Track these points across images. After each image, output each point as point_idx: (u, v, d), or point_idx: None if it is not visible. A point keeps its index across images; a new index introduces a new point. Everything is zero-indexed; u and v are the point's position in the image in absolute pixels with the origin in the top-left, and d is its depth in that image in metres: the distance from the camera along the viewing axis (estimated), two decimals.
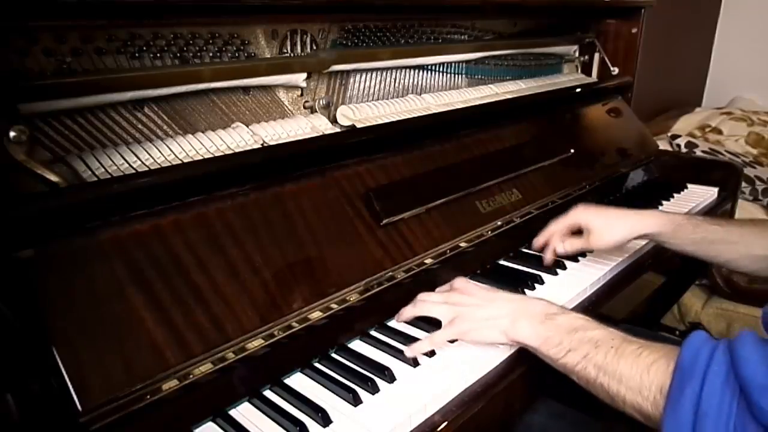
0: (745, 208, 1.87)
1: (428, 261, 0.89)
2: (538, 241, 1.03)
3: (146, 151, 0.74)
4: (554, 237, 1.01)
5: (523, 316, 0.73)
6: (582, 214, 0.99)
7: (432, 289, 0.92)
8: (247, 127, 0.85)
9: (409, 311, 0.81)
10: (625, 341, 0.65)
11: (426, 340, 0.76)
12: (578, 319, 0.71)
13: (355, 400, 0.67)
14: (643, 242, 1.08)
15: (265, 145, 0.84)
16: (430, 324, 0.81)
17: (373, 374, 0.71)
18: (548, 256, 0.99)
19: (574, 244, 0.98)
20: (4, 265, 0.56)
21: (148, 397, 0.59)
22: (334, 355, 0.77)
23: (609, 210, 1.00)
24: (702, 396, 0.53)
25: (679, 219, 0.97)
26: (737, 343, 0.54)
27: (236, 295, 0.68)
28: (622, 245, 0.99)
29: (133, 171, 0.71)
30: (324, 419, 0.64)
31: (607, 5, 1.53)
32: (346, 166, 0.87)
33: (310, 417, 0.65)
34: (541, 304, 0.75)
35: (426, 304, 0.80)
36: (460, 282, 0.84)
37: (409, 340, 0.78)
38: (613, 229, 0.96)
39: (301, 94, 0.97)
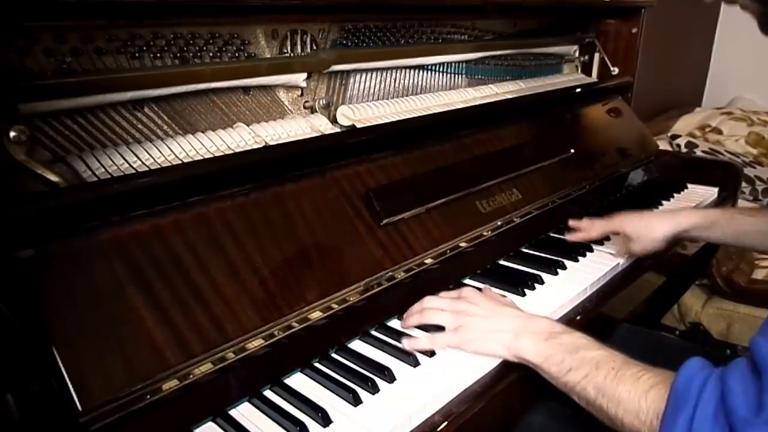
0: None
1: (428, 261, 0.89)
2: (575, 236, 1.09)
3: (146, 151, 0.74)
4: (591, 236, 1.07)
5: (526, 333, 0.73)
6: (623, 223, 1.04)
7: (432, 290, 0.92)
8: (247, 127, 0.85)
9: (416, 318, 0.81)
10: (625, 364, 0.65)
11: (426, 338, 0.76)
12: (581, 339, 0.71)
13: (355, 400, 0.67)
14: None
15: (265, 145, 0.84)
16: (432, 325, 0.81)
17: (373, 374, 0.71)
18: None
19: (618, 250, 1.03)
20: (4, 265, 0.56)
21: (148, 397, 0.59)
22: (334, 355, 0.77)
23: (644, 213, 1.05)
24: (693, 425, 0.53)
25: (712, 214, 1.00)
26: (728, 373, 0.54)
27: (236, 295, 0.68)
28: (662, 245, 1.02)
29: (133, 171, 0.71)
30: (324, 419, 0.64)
31: (607, 5, 1.53)
32: (346, 166, 0.87)
33: (310, 417, 0.65)
34: (545, 322, 0.75)
35: (432, 312, 0.80)
36: (469, 291, 0.84)
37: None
38: (652, 229, 1.00)
39: (301, 94, 0.97)
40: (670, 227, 1.00)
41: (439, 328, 0.79)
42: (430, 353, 0.76)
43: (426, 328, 0.80)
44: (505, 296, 0.89)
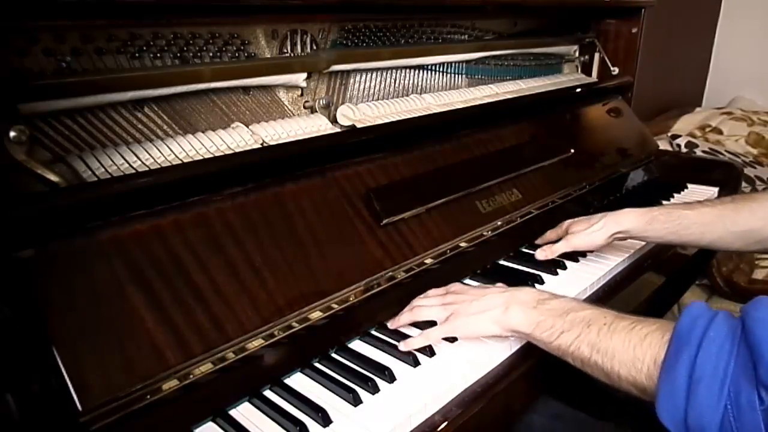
0: None
1: (428, 261, 0.89)
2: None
3: (146, 151, 0.73)
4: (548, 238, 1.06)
5: (514, 304, 0.74)
6: (572, 225, 1.03)
7: (428, 289, 0.92)
8: (247, 127, 0.85)
9: (406, 317, 0.81)
10: (617, 318, 0.65)
11: (420, 336, 0.77)
12: (570, 302, 0.72)
13: (355, 400, 0.67)
14: (642, 243, 1.08)
15: (265, 145, 0.84)
16: (432, 325, 0.81)
17: (373, 374, 0.71)
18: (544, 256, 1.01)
19: (555, 249, 1.00)
20: (4, 265, 0.56)
21: (148, 397, 0.59)
22: (334, 355, 0.77)
23: (592, 216, 1.02)
24: (697, 362, 0.52)
25: (652, 212, 0.98)
26: (752, 306, 0.54)
27: (236, 295, 0.68)
28: (604, 245, 1.00)
29: (133, 171, 0.71)
30: (324, 419, 0.64)
31: (607, 5, 1.53)
32: (346, 166, 0.87)
33: (310, 417, 0.65)
34: (532, 292, 0.76)
35: (422, 308, 0.81)
36: (455, 285, 0.85)
37: None
38: (590, 230, 0.98)
39: (301, 94, 0.97)
40: (606, 230, 0.97)
41: (432, 324, 0.79)
42: (430, 353, 0.76)
43: (425, 328, 0.80)
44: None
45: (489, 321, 0.74)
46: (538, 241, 1.09)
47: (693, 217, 0.94)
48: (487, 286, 0.84)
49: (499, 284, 0.84)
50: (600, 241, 0.98)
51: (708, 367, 0.52)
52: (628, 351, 0.61)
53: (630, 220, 0.97)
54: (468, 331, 0.76)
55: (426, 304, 0.81)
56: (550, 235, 1.07)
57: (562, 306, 0.71)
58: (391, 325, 0.82)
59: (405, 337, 0.79)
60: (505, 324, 0.74)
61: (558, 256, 1.01)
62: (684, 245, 0.99)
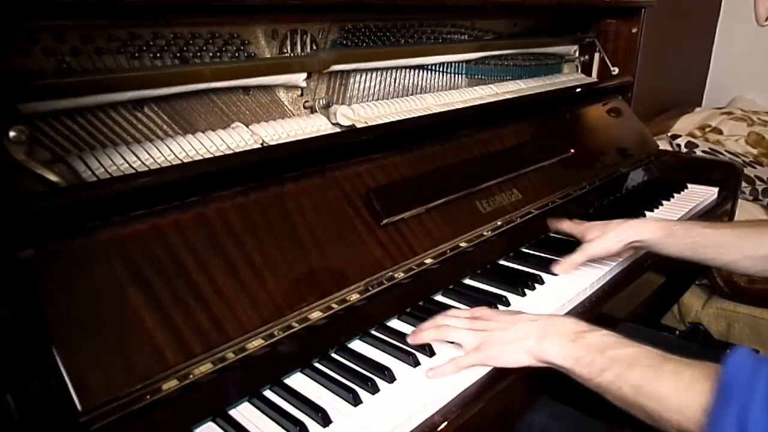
0: (745, 208, 1.87)
1: (428, 261, 0.89)
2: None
3: (146, 151, 0.73)
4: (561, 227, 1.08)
5: (550, 335, 0.71)
6: (587, 231, 1.01)
7: (432, 290, 0.92)
8: (247, 127, 0.85)
9: (431, 335, 0.77)
10: (662, 359, 0.62)
11: (450, 364, 0.73)
12: (609, 337, 0.68)
13: (355, 400, 0.67)
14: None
15: (265, 145, 0.84)
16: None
17: (373, 374, 0.71)
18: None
19: (573, 260, 0.98)
20: (4, 265, 0.56)
21: (148, 397, 0.59)
22: (334, 355, 0.77)
23: (608, 222, 1.01)
24: (747, 416, 0.50)
25: (670, 225, 0.96)
26: None
27: (236, 295, 0.68)
28: (618, 253, 0.99)
29: (133, 171, 0.71)
30: (324, 419, 0.64)
31: (607, 5, 1.53)
32: (346, 166, 0.87)
33: (310, 417, 0.65)
34: (569, 322, 0.73)
35: (449, 329, 0.77)
36: (483, 309, 0.81)
37: None
38: (605, 237, 0.97)
39: (301, 94, 0.97)
40: (621, 238, 0.96)
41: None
42: (430, 353, 0.76)
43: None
44: (505, 297, 0.89)
45: (522, 352, 0.71)
46: (551, 223, 1.10)
47: (713, 237, 0.92)
48: (518, 312, 0.80)
49: (526, 315, 0.78)
50: (615, 248, 0.97)
51: (758, 425, 0.49)
52: (675, 397, 0.58)
53: (649, 230, 0.96)
54: (500, 362, 0.73)
55: (455, 325, 0.77)
56: (565, 226, 1.07)
57: (601, 341, 0.68)
58: (411, 339, 0.78)
59: (400, 335, 0.79)
60: (539, 356, 0.71)
61: (555, 255, 1.01)
62: (699, 263, 0.96)
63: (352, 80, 1.04)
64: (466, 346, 0.75)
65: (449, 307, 0.88)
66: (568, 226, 1.07)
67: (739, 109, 2.54)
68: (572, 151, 1.26)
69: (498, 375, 0.74)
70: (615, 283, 1.00)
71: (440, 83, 1.22)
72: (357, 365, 0.74)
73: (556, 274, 0.98)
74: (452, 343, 0.77)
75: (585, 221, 1.07)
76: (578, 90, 1.43)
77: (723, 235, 0.92)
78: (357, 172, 0.88)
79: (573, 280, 0.96)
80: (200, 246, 0.68)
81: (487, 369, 0.74)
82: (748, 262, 0.91)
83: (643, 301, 1.14)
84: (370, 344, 0.79)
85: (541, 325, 0.73)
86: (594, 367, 0.66)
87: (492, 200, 1.04)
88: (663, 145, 2.03)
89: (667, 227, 0.96)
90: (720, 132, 2.34)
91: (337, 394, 0.69)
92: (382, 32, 1.07)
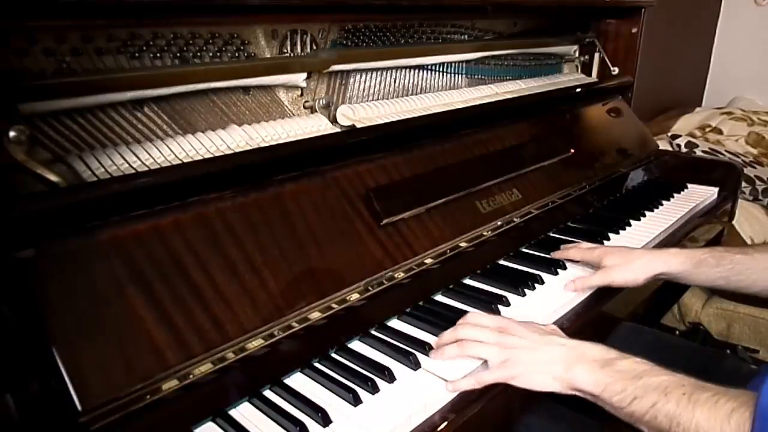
0: (745, 208, 1.87)
1: (428, 261, 0.89)
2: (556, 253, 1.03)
3: (146, 151, 0.73)
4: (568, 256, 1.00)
5: (579, 362, 0.68)
6: (604, 256, 0.95)
7: (432, 290, 0.92)
8: (248, 127, 0.85)
9: (454, 351, 0.74)
10: (697, 388, 0.61)
11: (471, 378, 0.71)
12: (641, 364, 0.66)
13: (355, 400, 0.67)
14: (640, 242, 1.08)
15: (265, 145, 0.84)
16: (432, 325, 0.81)
17: (373, 374, 0.71)
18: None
19: (589, 282, 0.93)
20: (4, 265, 0.56)
21: (148, 397, 0.59)
22: (334, 355, 0.77)
23: (631, 250, 0.96)
24: None
25: (699, 254, 0.92)
26: None
27: (236, 295, 0.68)
28: (643, 285, 0.94)
29: (133, 171, 0.71)
30: (324, 419, 0.64)
31: (607, 5, 1.53)
32: (346, 166, 0.87)
33: (310, 417, 0.65)
34: (598, 348, 0.70)
35: (473, 345, 0.73)
36: (510, 321, 0.77)
37: (409, 340, 0.78)
38: (631, 267, 0.92)
39: (301, 94, 0.97)
40: (649, 268, 0.91)
41: (440, 329, 0.78)
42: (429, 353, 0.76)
43: (426, 329, 0.80)
44: (505, 297, 0.89)
45: (550, 377, 0.69)
46: (555, 255, 1.02)
47: (747, 263, 0.89)
48: (546, 328, 0.77)
49: (555, 337, 0.74)
50: (640, 280, 0.91)
51: None
52: (714, 427, 0.57)
53: (677, 262, 0.91)
54: (525, 383, 0.70)
55: (480, 339, 0.73)
56: (574, 254, 0.99)
57: (633, 368, 0.66)
58: (433, 355, 0.75)
59: (407, 337, 0.79)
60: (568, 383, 0.68)
61: (552, 255, 1.00)
62: (732, 291, 0.93)
63: (352, 80, 1.04)
64: (491, 361, 0.72)
65: (449, 307, 0.88)
66: (577, 253, 0.99)
67: (739, 109, 2.54)
68: (572, 151, 1.26)
69: None
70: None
71: (440, 83, 1.22)
72: (357, 365, 0.74)
73: (556, 274, 0.98)
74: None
75: (596, 245, 1.02)
76: (578, 90, 1.43)
77: (756, 261, 0.89)
78: (357, 172, 0.88)
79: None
80: (200, 246, 0.68)
81: None
82: None
83: (643, 301, 1.14)
84: (370, 344, 0.79)
85: (568, 351, 0.70)
86: (625, 395, 0.64)
87: (492, 200, 1.04)
88: (663, 145, 2.03)
89: (696, 257, 0.91)
90: (720, 132, 2.34)
91: (337, 394, 0.69)
92: (382, 32, 1.07)
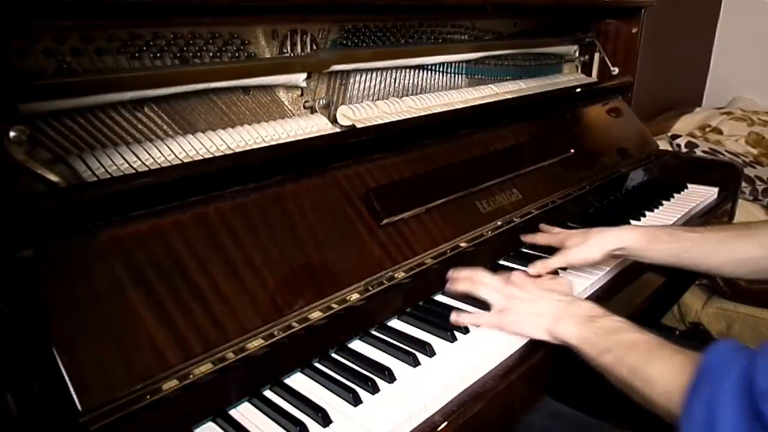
0: (745, 208, 1.87)
1: (428, 261, 0.89)
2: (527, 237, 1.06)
3: (146, 151, 0.74)
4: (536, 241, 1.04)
5: (566, 316, 0.76)
6: (568, 238, 0.97)
7: (432, 290, 0.92)
8: (248, 127, 0.85)
9: (466, 285, 0.85)
10: (659, 345, 0.66)
11: (471, 316, 0.81)
12: (619, 323, 0.73)
13: (355, 400, 0.67)
14: None
15: (264, 145, 0.84)
16: (432, 325, 0.82)
17: (373, 374, 0.71)
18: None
19: (549, 263, 0.94)
20: (4, 265, 0.56)
21: (148, 397, 0.59)
22: (334, 355, 0.77)
23: (589, 230, 0.97)
24: (716, 401, 0.53)
25: (654, 231, 0.94)
26: (759, 354, 0.54)
27: (236, 295, 0.68)
28: (599, 262, 0.96)
29: (133, 171, 0.71)
30: (324, 419, 0.64)
31: (607, 5, 1.53)
32: (346, 166, 0.88)
33: (310, 417, 0.65)
34: (586, 306, 0.77)
35: (482, 286, 0.84)
36: (519, 275, 0.86)
37: (409, 340, 0.78)
38: (586, 245, 0.94)
39: (301, 94, 0.97)
40: (602, 246, 0.93)
41: (440, 328, 0.79)
42: (430, 353, 0.76)
43: (426, 329, 0.80)
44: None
45: (539, 327, 0.77)
46: (525, 239, 1.05)
47: (697, 241, 0.90)
48: (549, 279, 0.88)
49: (552, 294, 0.81)
50: (596, 257, 0.94)
51: (722, 413, 0.52)
52: (663, 381, 0.62)
53: (631, 237, 0.93)
54: (516, 330, 0.79)
55: (489, 283, 0.84)
56: (540, 239, 1.03)
57: (611, 326, 0.72)
58: (448, 284, 0.88)
59: (407, 336, 0.79)
60: (554, 333, 0.76)
61: (522, 238, 1.02)
62: (685, 269, 0.94)
63: (352, 80, 1.04)
64: (494, 305, 0.81)
65: (449, 307, 0.88)
66: (543, 238, 1.03)
67: (739, 109, 2.54)
68: (572, 151, 1.26)
69: (498, 375, 0.74)
70: (615, 283, 1.00)
71: (440, 83, 1.22)
72: (357, 365, 0.74)
73: (556, 273, 0.97)
74: (451, 342, 0.77)
75: (561, 228, 1.05)
76: (578, 90, 1.43)
77: (707, 240, 0.90)
78: (357, 172, 0.88)
79: (573, 280, 0.96)
80: (200, 246, 0.68)
81: (488, 369, 0.74)
82: (735, 266, 0.89)
83: (643, 301, 1.14)
84: (370, 344, 0.79)
85: (561, 305, 0.78)
86: (600, 348, 0.70)
87: (492, 200, 1.04)
88: (663, 145, 2.03)
89: (651, 233, 0.93)
90: (720, 132, 2.34)
91: (337, 394, 0.69)
92: (382, 32, 1.07)
